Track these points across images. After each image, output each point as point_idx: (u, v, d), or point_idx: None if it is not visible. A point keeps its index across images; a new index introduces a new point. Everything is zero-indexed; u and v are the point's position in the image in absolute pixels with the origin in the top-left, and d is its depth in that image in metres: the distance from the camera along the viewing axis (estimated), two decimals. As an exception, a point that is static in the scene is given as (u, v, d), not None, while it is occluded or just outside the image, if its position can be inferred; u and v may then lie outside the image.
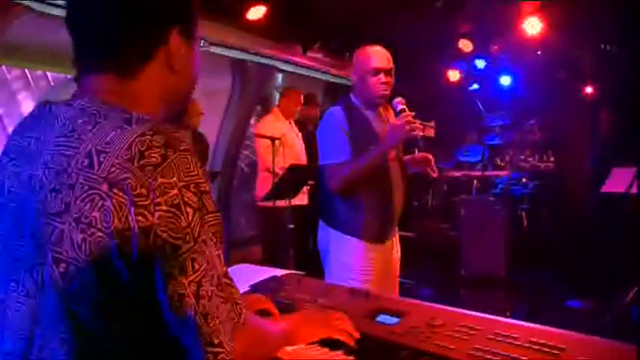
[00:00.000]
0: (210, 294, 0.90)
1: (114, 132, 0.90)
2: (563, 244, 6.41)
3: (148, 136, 0.88)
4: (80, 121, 0.94)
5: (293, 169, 4.30)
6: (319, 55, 6.69)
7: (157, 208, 0.85)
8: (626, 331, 4.37)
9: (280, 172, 4.48)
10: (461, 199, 6.75)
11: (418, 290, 5.67)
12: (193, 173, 0.89)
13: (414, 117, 2.52)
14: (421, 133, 2.51)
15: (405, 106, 2.60)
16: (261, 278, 1.81)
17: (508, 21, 5.91)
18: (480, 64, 7.55)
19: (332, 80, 7.72)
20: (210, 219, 0.91)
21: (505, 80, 8.26)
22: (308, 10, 5.35)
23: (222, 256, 0.94)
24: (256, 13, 4.99)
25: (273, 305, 1.51)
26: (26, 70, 4.88)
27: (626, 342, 1.14)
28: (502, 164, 7.72)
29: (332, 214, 2.76)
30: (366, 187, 2.67)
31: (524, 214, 7.15)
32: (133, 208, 0.85)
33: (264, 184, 4.84)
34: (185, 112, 1.17)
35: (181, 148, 0.89)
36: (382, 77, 2.69)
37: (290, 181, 4.32)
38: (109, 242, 0.85)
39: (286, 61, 6.38)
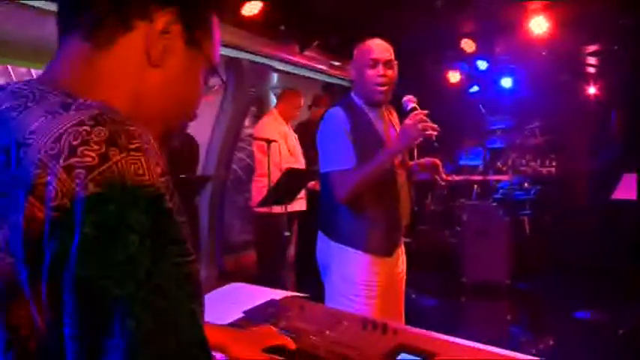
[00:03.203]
0: None
1: (42, 118, 0.65)
2: (569, 251, 6.22)
3: (85, 127, 0.62)
4: (6, 105, 0.71)
5: (289, 174, 4.07)
6: (317, 54, 6.46)
7: (80, 229, 0.58)
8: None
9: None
10: (462, 204, 6.59)
11: (419, 299, 5.48)
12: (147, 183, 0.61)
13: (426, 116, 2.28)
14: (435, 133, 2.27)
15: (416, 105, 2.37)
16: (257, 302, 1.58)
17: (513, 20, 5.69)
18: (482, 65, 7.33)
19: (330, 81, 7.50)
20: (176, 253, 0.62)
21: (506, 82, 8.06)
22: (305, 7, 5.12)
23: (198, 314, 0.65)
24: (252, 9, 4.76)
25: (288, 339, 1.26)
26: (8, 67, 4.64)
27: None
28: (503, 168, 7.52)
29: (333, 224, 2.52)
30: (371, 195, 2.44)
31: (526, 219, 6.96)
32: (48, 227, 0.59)
33: (260, 189, 4.62)
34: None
35: (133, 147, 0.62)
36: (380, 69, 2.47)
37: (286, 185, 4.09)
38: (20, 272, 0.61)
39: (282, 60, 6.14)
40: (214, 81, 0.92)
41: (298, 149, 5.01)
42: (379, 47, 2.52)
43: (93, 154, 0.60)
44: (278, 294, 1.65)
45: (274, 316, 1.49)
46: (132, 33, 0.77)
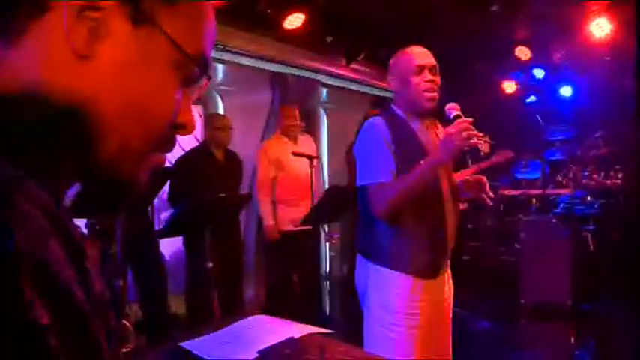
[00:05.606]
0: None
1: None
2: (637, 269, 5.78)
3: None
4: None
5: (332, 192, 3.91)
6: (365, 67, 6.30)
7: None
8: None
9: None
10: (519, 219, 6.31)
11: (473, 321, 5.21)
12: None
13: (471, 124, 2.09)
14: (481, 142, 2.07)
15: (459, 112, 2.18)
16: (275, 340, 1.40)
17: (572, 23, 5.37)
18: (539, 73, 7.00)
19: (379, 94, 7.32)
20: None
21: (566, 91, 7.69)
22: (351, 18, 4.97)
23: None
24: (294, 21, 4.65)
25: None
26: None
27: None
28: (564, 181, 7.14)
29: (371, 243, 2.33)
30: (413, 210, 2.24)
31: (589, 236, 6.55)
32: None
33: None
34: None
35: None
36: (427, 74, 2.30)
37: (329, 204, 3.91)
38: None
39: (328, 74, 6.01)
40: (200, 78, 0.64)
41: (303, 171, 4.39)
42: (422, 53, 2.37)
43: None
44: (299, 330, 1.48)
45: (292, 357, 1.32)
46: (47, 15, 0.54)
